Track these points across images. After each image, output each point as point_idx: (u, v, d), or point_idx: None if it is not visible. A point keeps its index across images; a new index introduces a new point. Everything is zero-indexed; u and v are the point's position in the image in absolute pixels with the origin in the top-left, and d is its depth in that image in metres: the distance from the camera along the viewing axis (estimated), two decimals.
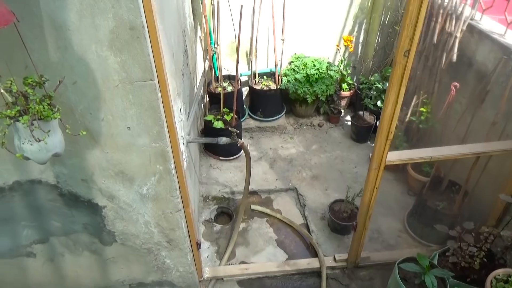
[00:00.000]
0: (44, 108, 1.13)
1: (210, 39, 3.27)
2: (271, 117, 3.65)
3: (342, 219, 2.56)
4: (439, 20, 2.64)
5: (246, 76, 3.72)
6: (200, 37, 3.35)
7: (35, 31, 1.24)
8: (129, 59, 1.34)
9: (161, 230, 1.94)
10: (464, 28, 2.44)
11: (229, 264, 2.47)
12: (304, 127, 3.71)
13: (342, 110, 3.76)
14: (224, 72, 3.61)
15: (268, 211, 2.83)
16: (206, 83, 3.50)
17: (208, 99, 3.55)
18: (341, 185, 2.96)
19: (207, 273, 2.36)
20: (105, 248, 2.01)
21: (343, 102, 3.76)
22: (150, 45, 1.35)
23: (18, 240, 1.92)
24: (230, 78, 3.61)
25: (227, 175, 3.13)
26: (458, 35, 2.46)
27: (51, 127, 1.16)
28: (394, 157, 1.88)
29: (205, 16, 3.07)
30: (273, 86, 3.58)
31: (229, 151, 3.25)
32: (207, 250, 2.58)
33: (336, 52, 3.71)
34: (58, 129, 1.24)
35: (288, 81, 3.46)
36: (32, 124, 1.10)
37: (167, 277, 2.21)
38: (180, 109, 2.11)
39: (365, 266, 2.39)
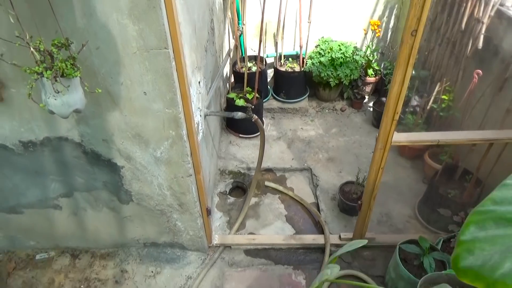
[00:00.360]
0: (66, 66, 1.26)
1: (238, 20, 3.36)
2: (294, 99, 3.71)
3: (351, 200, 2.61)
4: (468, 5, 2.58)
5: (272, 58, 3.78)
6: (228, 17, 3.43)
7: None
8: (146, 28, 1.45)
9: (173, 193, 2.08)
10: (492, 13, 2.38)
11: (238, 234, 2.60)
12: (326, 110, 3.73)
13: (366, 96, 3.74)
14: (250, 53, 3.69)
15: (280, 188, 2.92)
16: (232, 63, 3.60)
17: (233, 78, 3.65)
18: (356, 168, 2.98)
19: (216, 240, 2.50)
20: (122, 206, 2.18)
21: (368, 88, 3.74)
22: (166, 16, 1.45)
23: (46, 193, 2.13)
24: (255, 59, 3.68)
25: (245, 152, 3.24)
26: (485, 21, 2.40)
27: (71, 84, 1.30)
28: (401, 138, 1.90)
29: None
30: (297, 68, 3.62)
31: (249, 129, 3.35)
32: (219, 219, 2.72)
33: (364, 37, 3.68)
34: (80, 87, 1.38)
35: (313, 63, 3.50)
36: (55, 80, 1.25)
37: (178, 239, 2.37)
38: (199, 82, 2.22)
39: (369, 246, 2.44)
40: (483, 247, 0.44)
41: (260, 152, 2.59)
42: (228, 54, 3.31)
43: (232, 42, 3.45)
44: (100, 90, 1.49)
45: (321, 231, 2.59)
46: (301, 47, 3.56)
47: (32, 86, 1.25)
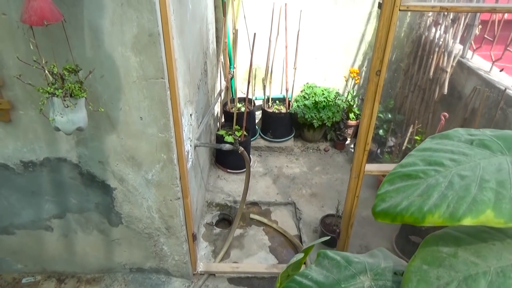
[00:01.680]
0: (75, 87, 1.46)
1: (230, 64, 3.65)
2: (280, 139, 3.92)
3: (332, 232, 2.73)
4: (435, 57, 2.89)
5: (261, 100, 4.05)
6: (221, 61, 3.74)
7: (77, 32, 1.59)
8: (146, 60, 1.67)
9: (161, 216, 2.19)
10: (454, 64, 2.68)
11: (223, 262, 2.67)
12: (311, 150, 3.94)
13: (348, 138, 3.98)
14: (240, 95, 3.96)
15: (265, 220, 3.04)
16: (223, 103, 3.85)
17: (223, 118, 3.89)
18: (337, 203, 3.13)
19: (201, 267, 2.57)
20: (112, 229, 2.28)
21: (350, 131, 3.99)
22: (164, 50, 1.68)
23: (40, 213, 2.22)
24: (245, 100, 3.93)
25: (232, 186, 3.38)
26: (449, 70, 2.70)
27: (78, 103, 1.49)
28: (373, 168, 2.09)
29: (225, 42, 3.46)
30: (283, 110, 3.88)
31: (237, 165, 3.52)
32: (204, 249, 2.79)
33: (346, 84, 3.99)
34: (84, 108, 1.57)
35: (298, 106, 3.76)
36: (65, 99, 1.43)
37: (163, 264, 2.44)
38: (191, 115, 2.43)
39: None
40: (391, 195, 0.60)
41: (246, 182, 2.74)
42: (220, 94, 3.56)
43: (224, 84, 3.72)
44: (103, 109, 1.68)
45: None
46: (287, 91, 3.84)
47: (43, 103, 1.43)
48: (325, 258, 0.86)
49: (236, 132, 3.52)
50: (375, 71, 1.76)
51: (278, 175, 3.57)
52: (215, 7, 3.49)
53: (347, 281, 0.81)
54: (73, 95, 1.46)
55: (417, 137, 3.03)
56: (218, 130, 3.61)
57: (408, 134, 3.07)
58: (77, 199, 2.16)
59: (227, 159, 3.53)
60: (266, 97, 3.95)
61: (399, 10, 1.62)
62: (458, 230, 0.62)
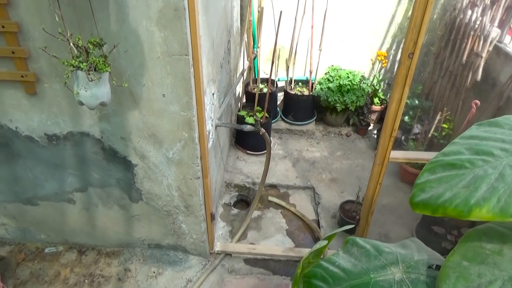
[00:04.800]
0: (99, 61, 1.44)
1: (254, 43, 3.58)
2: (301, 122, 3.86)
3: (351, 218, 2.69)
4: (469, 41, 2.75)
5: (283, 82, 3.97)
6: (244, 40, 3.66)
7: (102, 5, 1.56)
8: (170, 35, 1.63)
9: (180, 194, 2.20)
10: (490, 49, 2.54)
11: (239, 243, 2.68)
12: (332, 135, 3.87)
13: (371, 123, 3.88)
14: (263, 75, 3.90)
15: (283, 203, 3.02)
16: (245, 83, 3.80)
17: (245, 98, 3.84)
18: (357, 189, 3.07)
19: (218, 247, 2.58)
20: (132, 204, 2.30)
21: (373, 116, 3.88)
22: (189, 26, 1.64)
23: (63, 186, 2.26)
24: (267, 81, 3.87)
25: (251, 168, 3.37)
26: (484, 55, 2.56)
27: (102, 77, 1.47)
28: (398, 155, 2.02)
29: (250, 21, 3.38)
30: (306, 93, 3.80)
31: (256, 147, 3.49)
32: (222, 229, 2.81)
33: (372, 68, 3.87)
34: (107, 83, 1.55)
35: (321, 89, 3.67)
36: (89, 73, 1.42)
37: (181, 242, 2.47)
38: (213, 94, 2.40)
39: None
40: (432, 185, 0.56)
41: (266, 164, 2.71)
42: (242, 74, 3.51)
43: (246, 63, 3.66)
44: (126, 84, 1.66)
45: None
46: (311, 73, 3.75)
47: (68, 76, 1.42)
48: (354, 245, 0.83)
49: (258, 113, 3.48)
50: (407, 54, 1.68)
51: (298, 158, 3.52)
52: None
53: (376, 272, 0.77)
54: (97, 69, 1.45)
55: (444, 125, 2.92)
56: (239, 111, 3.57)
57: (436, 122, 2.96)
58: (99, 174, 2.18)
59: (247, 141, 3.51)
60: (289, 79, 3.87)
61: None
62: (504, 226, 0.57)
